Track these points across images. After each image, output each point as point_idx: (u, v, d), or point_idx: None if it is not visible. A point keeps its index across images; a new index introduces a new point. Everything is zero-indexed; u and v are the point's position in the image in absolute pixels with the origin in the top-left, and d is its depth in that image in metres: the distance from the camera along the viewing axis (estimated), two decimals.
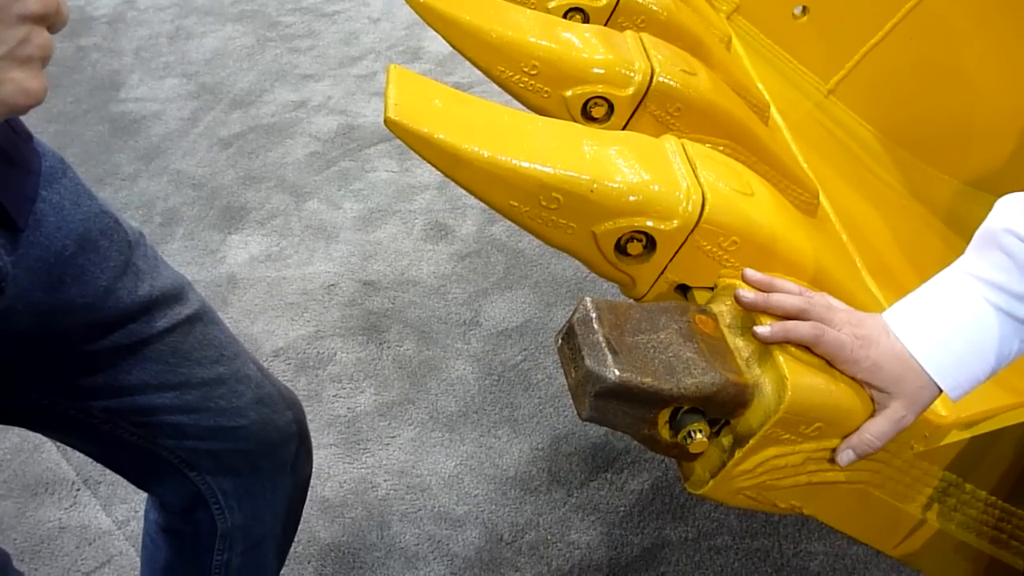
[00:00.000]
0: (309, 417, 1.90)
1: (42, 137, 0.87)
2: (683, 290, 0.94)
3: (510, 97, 1.15)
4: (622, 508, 1.73)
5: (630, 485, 1.76)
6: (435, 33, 1.13)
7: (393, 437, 1.88)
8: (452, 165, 0.84)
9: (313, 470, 1.20)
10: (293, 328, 2.14)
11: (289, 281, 2.27)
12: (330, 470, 1.81)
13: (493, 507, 1.74)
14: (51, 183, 0.84)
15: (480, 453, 1.84)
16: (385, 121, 0.82)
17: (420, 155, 0.84)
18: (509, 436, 1.87)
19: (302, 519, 1.23)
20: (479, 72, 1.15)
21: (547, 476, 1.79)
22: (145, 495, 1.15)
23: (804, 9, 1.69)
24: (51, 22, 0.62)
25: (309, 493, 1.21)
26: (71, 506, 1.77)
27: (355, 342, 2.10)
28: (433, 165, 0.85)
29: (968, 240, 0.82)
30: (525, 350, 2.05)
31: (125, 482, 1.14)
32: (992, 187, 1.47)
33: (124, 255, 0.90)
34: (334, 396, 1.97)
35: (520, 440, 1.86)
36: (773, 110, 1.51)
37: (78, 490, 1.80)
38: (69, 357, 0.90)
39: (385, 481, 1.79)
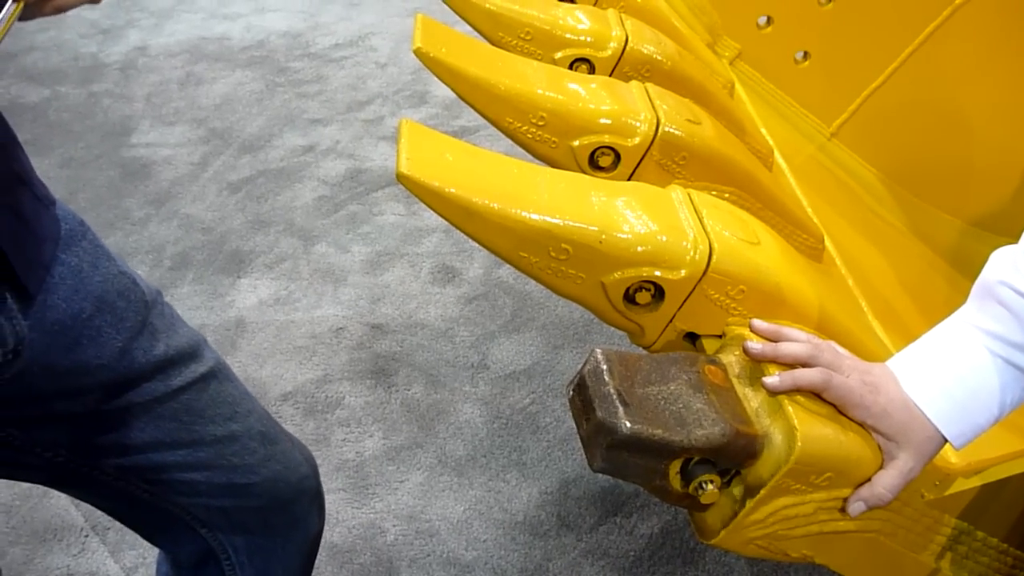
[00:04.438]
0: (317, 462, 1.90)
1: (54, 183, 0.89)
2: (692, 338, 0.95)
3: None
4: (632, 553, 1.72)
5: (640, 529, 1.76)
6: None
7: (401, 482, 1.87)
8: (463, 218, 0.85)
9: None
10: (301, 372, 2.14)
11: (297, 325, 2.28)
12: (338, 515, 1.80)
13: (502, 552, 1.73)
14: (70, 246, 0.86)
15: (489, 497, 1.83)
16: (397, 176, 0.83)
17: (432, 208, 0.85)
18: (518, 480, 1.87)
19: None
20: None
21: (556, 520, 1.79)
22: None
23: (806, 54, 1.72)
24: None
25: None
26: (79, 552, 1.77)
27: (363, 386, 2.10)
28: (444, 218, 0.86)
29: (973, 280, 0.84)
30: (533, 393, 2.05)
31: None
32: (996, 226, 1.48)
33: (141, 315, 0.91)
34: (342, 440, 1.97)
35: (529, 484, 1.86)
36: (777, 154, 1.52)
37: (86, 536, 1.79)
38: (84, 416, 0.90)
39: (394, 526, 1.79)
